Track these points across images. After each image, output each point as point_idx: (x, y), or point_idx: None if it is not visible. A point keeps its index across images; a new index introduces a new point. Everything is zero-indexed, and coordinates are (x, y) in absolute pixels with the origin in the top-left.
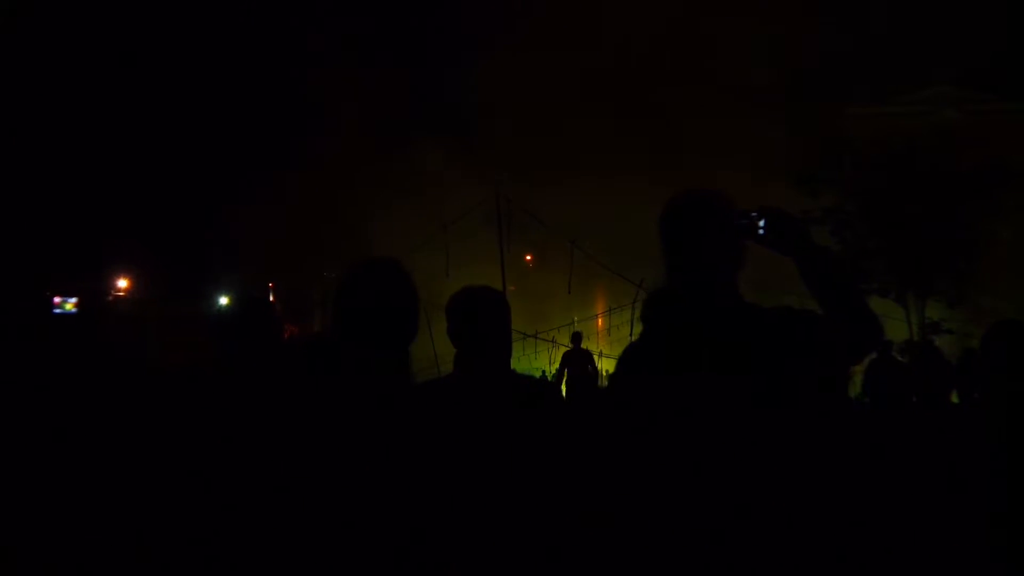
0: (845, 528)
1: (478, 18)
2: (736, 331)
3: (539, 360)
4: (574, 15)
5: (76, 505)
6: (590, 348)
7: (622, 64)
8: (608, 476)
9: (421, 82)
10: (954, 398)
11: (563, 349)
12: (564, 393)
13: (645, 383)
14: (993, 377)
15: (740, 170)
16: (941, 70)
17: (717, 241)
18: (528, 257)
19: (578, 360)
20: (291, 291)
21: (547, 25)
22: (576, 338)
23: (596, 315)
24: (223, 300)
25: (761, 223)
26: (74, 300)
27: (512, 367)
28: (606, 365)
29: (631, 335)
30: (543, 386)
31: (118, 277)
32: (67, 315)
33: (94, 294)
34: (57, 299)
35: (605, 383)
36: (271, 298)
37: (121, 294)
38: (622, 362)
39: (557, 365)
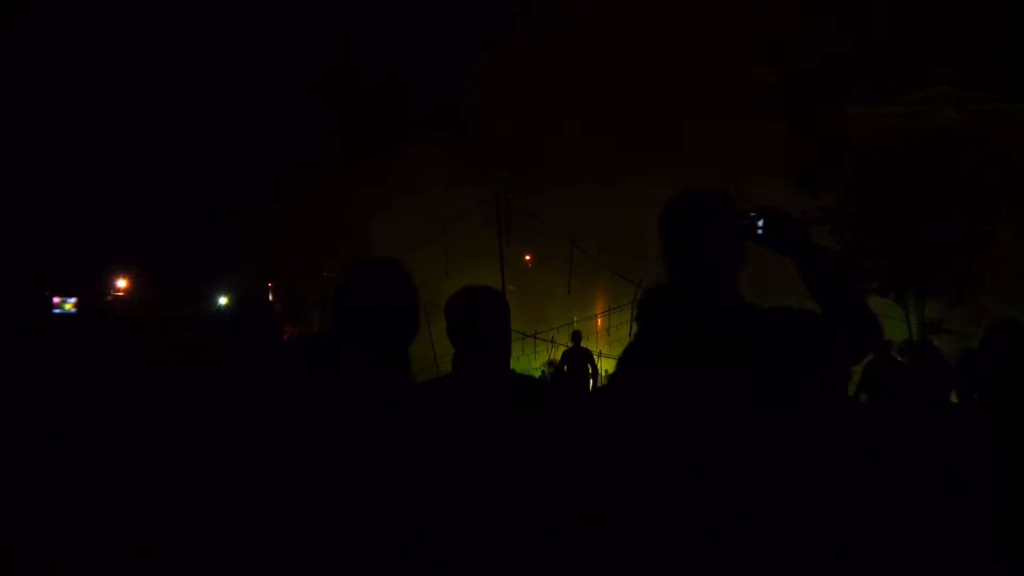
0: (844, 528)
1: (478, 18)
2: (736, 331)
3: (539, 360)
4: (574, 15)
5: (76, 505)
6: (589, 348)
7: (622, 64)
8: (608, 476)
9: (421, 82)
10: (954, 398)
11: (563, 349)
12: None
13: (645, 383)
14: (993, 377)
15: (740, 170)
16: (941, 70)
17: (717, 241)
18: (528, 257)
19: (578, 359)
20: (291, 291)
21: (547, 25)
22: (576, 336)
23: (596, 315)
24: (223, 300)
25: (760, 223)
26: (73, 300)
27: (512, 367)
28: (606, 365)
29: (631, 335)
30: (543, 386)
31: (117, 277)
32: (66, 315)
33: (93, 294)
34: (56, 299)
35: (605, 383)
36: (271, 298)
37: (120, 294)
38: (622, 362)
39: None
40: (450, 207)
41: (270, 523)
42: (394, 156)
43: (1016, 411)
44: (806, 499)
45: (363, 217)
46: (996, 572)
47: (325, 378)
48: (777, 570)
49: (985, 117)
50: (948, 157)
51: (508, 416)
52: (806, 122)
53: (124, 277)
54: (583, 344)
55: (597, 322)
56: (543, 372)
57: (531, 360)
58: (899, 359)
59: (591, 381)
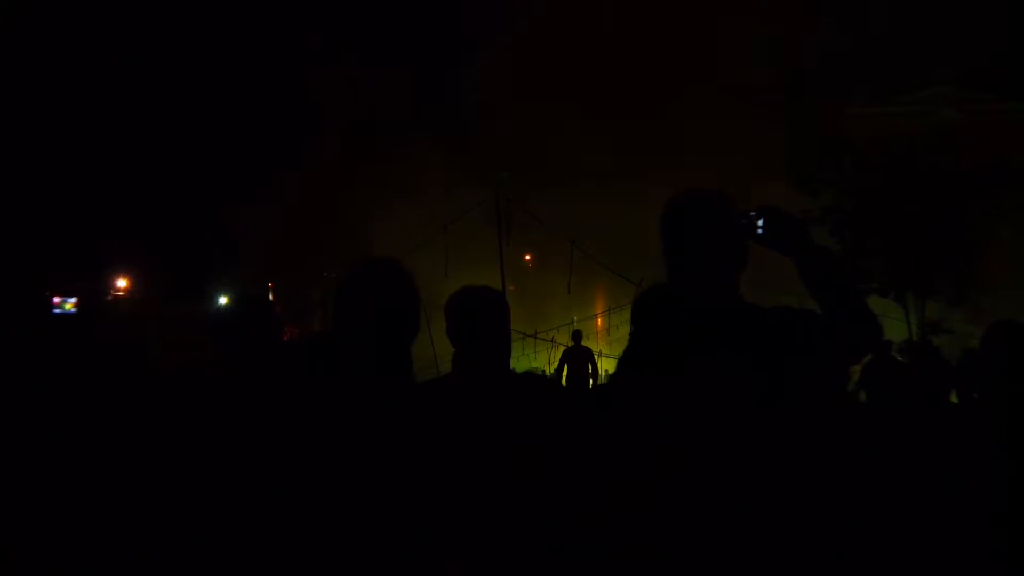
0: (845, 528)
1: (478, 18)
2: (736, 331)
3: (539, 360)
4: (574, 15)
5: (76, 505)
6: (589, 348)
7: (622, 64)
8: (608, 476)
9: (421, 82)
10: (954, 398)
11: (563, 348)
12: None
13: (645, 383)
14: (993, 377)
15: (740, 170)
16: (941, 70)
17: (717, 241)
18: (528, 257)
19: (578, 358)
20: (291, 291)
21: (547, 25)
22: (576, 336)
23: (596, 315)
24: (223, 300)
25: (760, 222)
26: (73, 300)
27: (512, 367)
28: (606, 365)
29: (631, 335)
30: (543, 384)
31: (118, 277)
32: (67, 315)
33: (93, 294)
34: (57, 299)
35: (605, 383)
36: (271, 298)
37: (121, 294)
38: (623, 362)
39: (556, 364)
40: (450, 207)
41: (270, 523)
42: (394, 156)
43: (1016, 411)
44: (806, 499)
45: (363, 217)
46: (996, 572)
47: (325, 378)
48: (777, 570)
49: (985, 117)
50: (948, 157)
51: (508, 416)
52: (806, 122)
53: (124, 277)
54: (583, 344)
55: (597, 322)
56: (542, 373)
57: (531, 360)
58: (899, 359)
59: (591, 380)
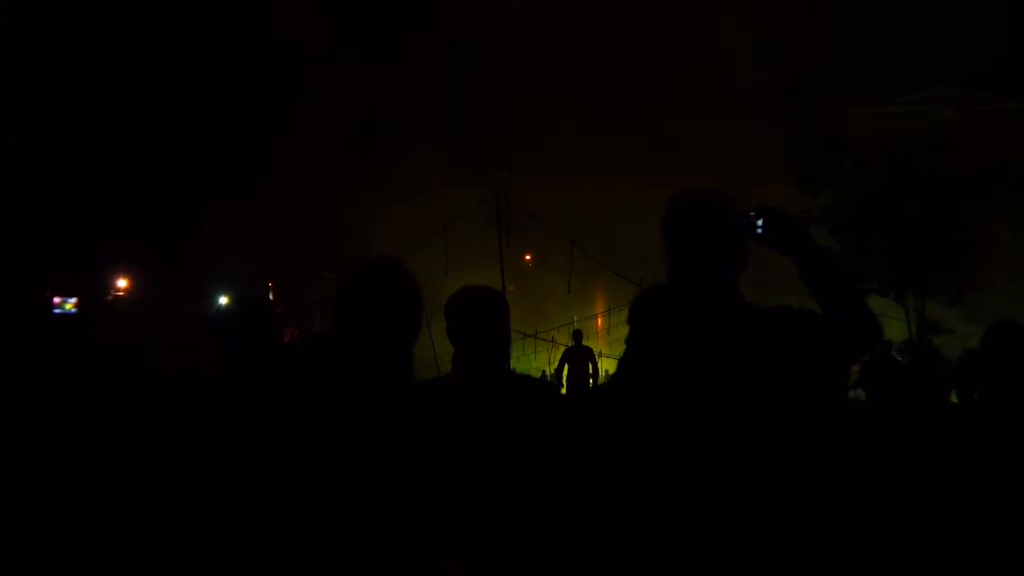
0: (844, 528)
1: (478, 18)
2: (736, 331)
3: (539, 360)
4: (575, 15)
5: (76, 505)
6: (590, 347)
7: (622, 64)
8: (608, 476)
9: (422, 82)
10: (954, 398)
11: (563, 348)
12: (565, 390)
13: (645, 383)
14: (993, 377)
15: (740, 170)
16: (941, 70)
17: (718, 241)
18: (528, 257)
19: (579, 357)
20: (291, 291)
21: (547, 25)
22: (577, 336)
23: (596, 315)
24: (223, 300)
25: (760, 222)
26: (74, 300)
27: (512, 367)
28: (606, 365)
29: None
30: (542, 386)
31: (118, 277)
32: (66, 315)
33: (93, 294)
34: (57, 299)
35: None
36: (271, 298)
37: (121, 294)
38: (623, 363)
39: (556, 364)
40: (450, 207)
41: (270, 523)
42: (394, 156)
43: (1016, 411)
44: (806, 499)
45: (363, 217)
46: (996, 572)
47: (325, 378)
48: (777, 570)
49: (985, 117)
50: (948, 157)
51: (508, 416)
52: (806, 122)
53: (124, 277)
54: (584, 343)
55: (597, 322)
56: (543, 373)
57: (531, 360)
58: (899, 359)
59: (592, 380)
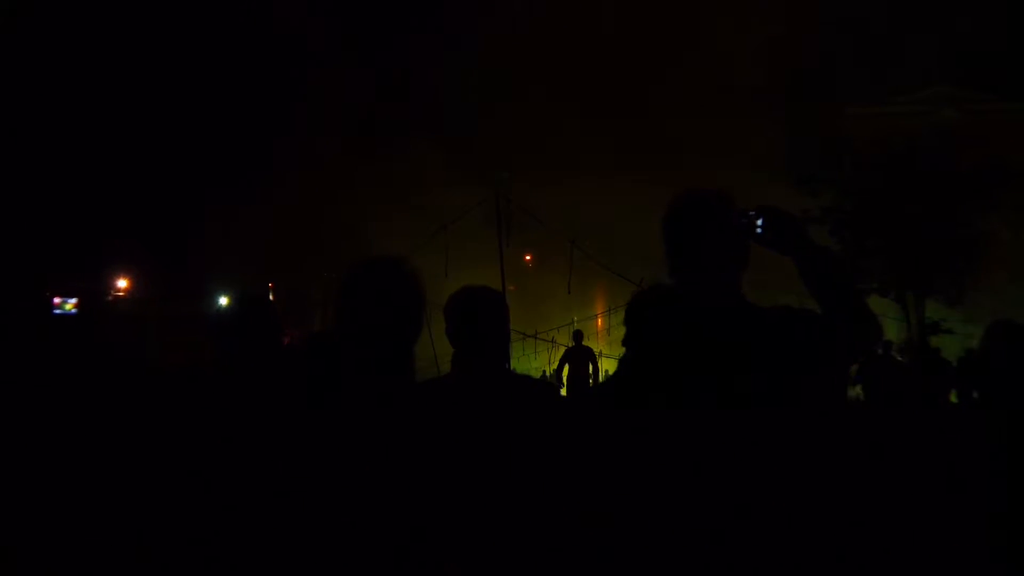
0: (844, 528)
1: (478, 18)
2: (736, 331)
3: (539, 360)
4: (574, 15)
5: (76, 505)
6: (590, 348)
7: (622, 64)
8: (608, 476)
9: (422, 82)
10: (953, 398)
11: (563, 349)
12: (565, 390)
13: (645, 383)
14: (993, 377)
15: (740, 170)
16: (941, 70)
17: (719, 241)
18: (528, 257)
19: (579, 358)
20: (291, 291)
21: (548, 25)
22: (578, 336)
23: (596, 315)
24: (223, 300)
25: (759, 222)
26: (74, 300)
27: (512, 367)
28: (606, 365)
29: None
30: (542, 386)
31: (118, 277)
32: (67, 315)
33: (93, 294)
34: (57, 299)
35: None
36: (271, 298)
37: (121, 294)
38: (623, 362)
39: (556, 364)
40: (450, 207)
41: (270, 523)
42: (394, 156)
43: (1016, 411)
44: (806, 499)
45: (363, 217)
46: (996, 572)
47: (325, 378)
48: (777, 570)
49: (985, 117)
50: (948, 157)
51: (507, 416)
52: (806, 122)
53: (124, 277)
54: (584, 344)
55: (597, 322)
56: (543, 373)
57: (531, 360)
58: (899, 359)
59: (592, 381)
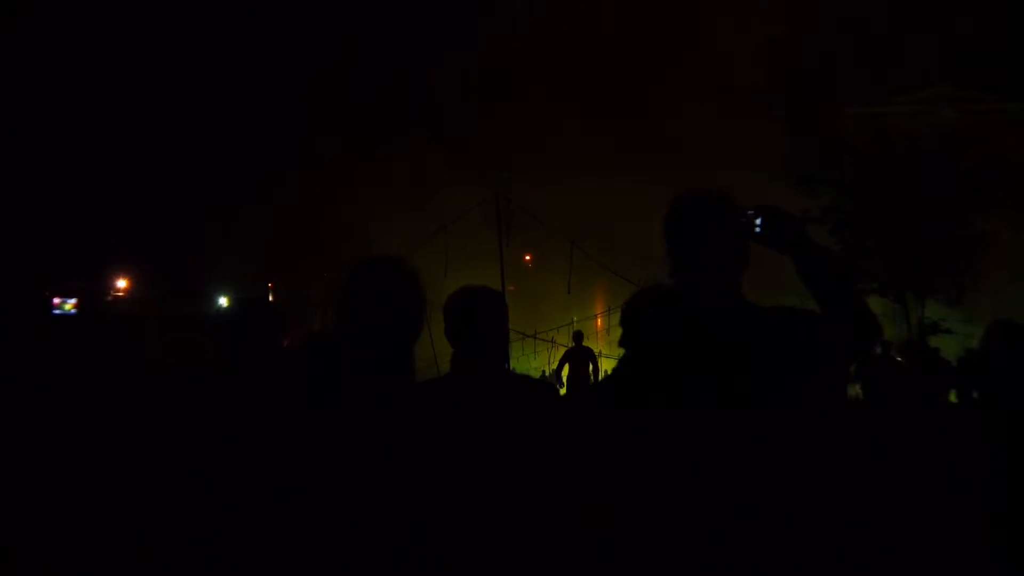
0: (845, 528)
1: (478, 18)
2: (736, 331)
3: (539, 360)
4: (574, 15)
5: (76, 505)
6: (590, 348)
7: (622, 64)
8: (608, 475)
9: (422, 82)
10: (953, 398)
11: (563, 349)
12: (565, 390)
13: (645, 383)
14: (993, 377)
15: (740, 170)
16: (941, 70)
17: (719, 241)
18: (527, 257)
19: (579, 358)
20: (291, 291)
21: (548, 25)
22: (578, 336)
23: (595, 315)
24: (223, 300)
25: (758, 221)
26: (73, 300)
27: (511, 367)
28: (606, 365)
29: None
30: (541, 386)
31: (118, 277)
32: (66, 315)
33: (93, 294)
34: (56, 299)
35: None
36: (271, 298)
37: (121, 294)
38: (623, 362)
39: (556, 364)
40: (450, 207)
41: (270, 523)
42: (394, 156)
43: (1016, 411)
44: (806, 499)
45: (363, 217)
46: (996, 572)
47: (325, 378)
48: (777, 570)
49: (985, 117)
50: (948, 157)
51: (507, 416)
52: (806, 122)
53: (124, 277)
54: (584, 344)
55: (597, 322)
56: (543, 373)
57: (531, 360)
58: (899, 359)
59: (592, 381)
